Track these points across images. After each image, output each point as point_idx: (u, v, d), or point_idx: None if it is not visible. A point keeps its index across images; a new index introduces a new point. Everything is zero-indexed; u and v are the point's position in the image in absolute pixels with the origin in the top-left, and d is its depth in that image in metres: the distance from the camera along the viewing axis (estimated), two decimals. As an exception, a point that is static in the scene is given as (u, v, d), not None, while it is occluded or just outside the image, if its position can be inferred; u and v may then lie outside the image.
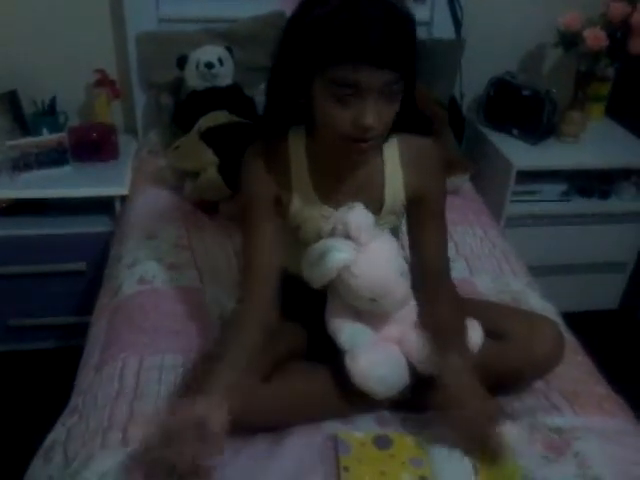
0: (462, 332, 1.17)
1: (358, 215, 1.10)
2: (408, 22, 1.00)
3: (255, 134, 1.21)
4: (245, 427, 1.12)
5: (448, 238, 1.26)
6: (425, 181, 1.18)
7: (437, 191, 1.21)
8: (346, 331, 1.15)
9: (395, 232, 1.25)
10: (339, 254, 1.07)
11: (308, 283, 1.12)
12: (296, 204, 1.16)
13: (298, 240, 1.19)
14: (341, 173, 1.15)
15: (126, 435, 1.12)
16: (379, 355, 1.14)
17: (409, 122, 1.12)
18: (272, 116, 1.14)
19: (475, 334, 1.19)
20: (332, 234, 1.11)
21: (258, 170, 1.15)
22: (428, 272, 1.20)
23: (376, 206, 1.17)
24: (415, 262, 1.21)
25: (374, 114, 0.98)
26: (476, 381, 1.10)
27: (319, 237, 1.13)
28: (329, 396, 1.17)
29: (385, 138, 1.11)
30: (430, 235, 1.21)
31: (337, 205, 1.14)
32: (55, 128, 2.07)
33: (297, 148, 1.15)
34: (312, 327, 1.22)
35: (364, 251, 1.09)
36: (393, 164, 1.17)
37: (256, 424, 1.14)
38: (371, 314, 1.16)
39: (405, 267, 1.14)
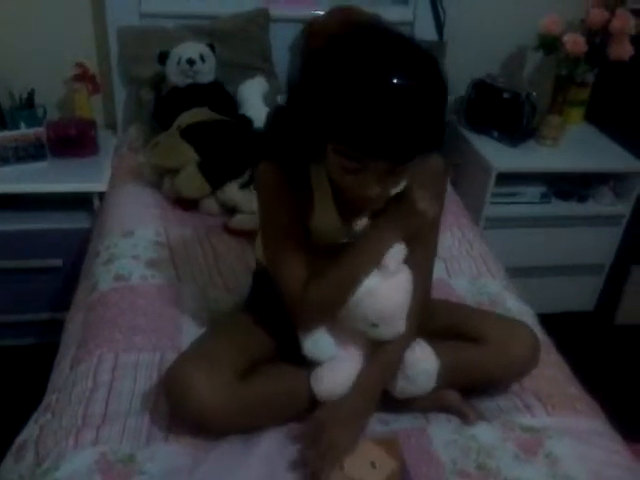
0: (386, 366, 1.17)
1: (394, 252, 1.10)
2: (434, 101, 0.92)
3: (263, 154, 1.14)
4: (219, 428, 1.13)
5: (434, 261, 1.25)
6: None
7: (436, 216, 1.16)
8: (311, 338, 1.16)
9: None
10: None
11: None
12: (316, 222, 1.14)
13: None
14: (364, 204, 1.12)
15: (99, 434, 1.11)
16: (341, 375, 1.15)
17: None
18: (286, 150, 1.08)
19: (427, 362, 1.18)
20: None
21: (281, 187, 1.09)
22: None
23: None
24: None
25: (377, 187, 0.97)
26: (359, 404, 1.14)
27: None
28: (308, 395, 1.17)
29: None
30: (417, 261, 1.16)
31: (352, 218, 1.14)
32: (33, 122, 2.04)
33: (319, 176, 1.11)
34: (285, 328, 1.22)
35: (388, 278, 1.10)
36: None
37: (233, 425, 1.13)
38: (340, 330, 1.17)
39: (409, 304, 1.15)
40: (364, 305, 1.10)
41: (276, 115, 1.15)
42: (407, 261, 1.14)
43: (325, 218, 1.14)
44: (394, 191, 1.05)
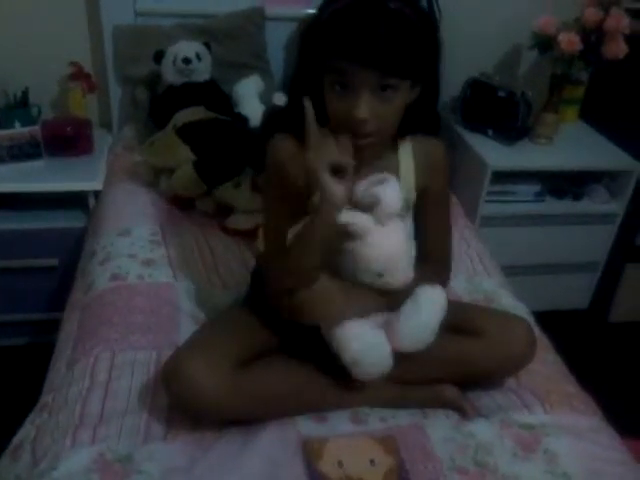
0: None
1: (392, 191, 1.10)
2: (419, 27, 1.02)
3: (276, 125, 1.21)
4: (219, 417, 1.13)
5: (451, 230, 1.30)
6: (432, 177, 1.23)
7: (441, 185, 1.26)
8: (353, 338, 1.13)
9: None
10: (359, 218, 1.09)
11: None
12: (317, 196, 1.15)
13: None
14: (360, 170, 1.14)
15: (96, 433, 1.11)
16: (365, 329, 1.13)
17: (424, 124, 1.16)
18: (294, 112, 1.13)
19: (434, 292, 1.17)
20: (360, 203, 1.11)
21: (287, 161, 1.15)
22: (428, 256, 1.22)
23: None
24: (418, 249, 1.23)
25: (365, 109, 1.01)
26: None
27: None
28: (307, 387, 1.18)
29: (398, 136, 1.16)
30: (432, 220, 1.25)
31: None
32: (28, 121, 2.03)
33: None
34: (285, 324, 1.22)
35: (383, 225, 1.10)
36: (407, 163, 1.20)
37: (232, 414, 1.14)
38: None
39: (413, 252, 1.18)
40: (363, 254, 1.10)
41: (289, 85, 1.23)
42: (425, 222, 1.23)
43: None
44: (383, 126, 1.07)
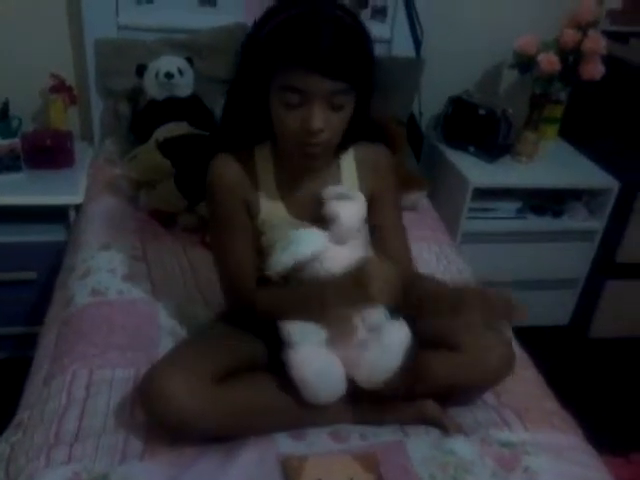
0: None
1: (349, 211, 1.12)
2: (360, 35, 1.06)
3: (215, 146, 1.22)
4: (199, 434, 1.12)
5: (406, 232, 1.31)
6: (378, 180, 1.25)
7: (389, 188, 1.28)
8: (298, 327, 1.15)
9: None
10: (315, 242, 1.10)
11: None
12: (263, 212, 1.19)
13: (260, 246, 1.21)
14: (302, 182, 1.19)
15: (72, 452, 1.09)
16: (319, 354, 1.14)
17: (363, 132, 1.18)
18: (233, 129, 1.18)
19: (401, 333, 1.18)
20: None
21: (229, 178, 1.17)
22: (389, 257, 1.20)
23: None
24: (375, 250, 1.25)
25: (320, 119, 1.03)
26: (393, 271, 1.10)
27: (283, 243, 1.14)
28: (285, 404, 1.17)
29: (341, 147, 1.17)
30: (386, 222, 1.27)
31: (299, 212, 1.19)
32: (7, 133, 2.01)
33: (263, 159, 1.19)
34: (271, 339, 1.21)
35: (340, 247, 1.11)
36: (349, 171, 1.23)
37: (211, 430, 1.13)
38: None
39: None
40: (319, 275, 1.11)
41: (226, 100, 1.21)
42: (380, 223, 1.24)
43: (270, 204, 1.19)
44: (333, 135, 1.08)
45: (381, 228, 1.26)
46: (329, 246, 1.10)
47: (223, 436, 1.15)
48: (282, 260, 1.11)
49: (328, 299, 1.11)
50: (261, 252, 1.21)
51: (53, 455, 1.08)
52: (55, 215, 2.01)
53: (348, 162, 1.23)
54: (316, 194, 1.17)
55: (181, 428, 1.10)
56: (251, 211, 1.20)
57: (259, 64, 1.05)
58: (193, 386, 1.08)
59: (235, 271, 1.22)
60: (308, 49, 1.00)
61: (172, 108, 1.96)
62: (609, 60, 2.24)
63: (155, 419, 1.12)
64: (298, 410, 1.18)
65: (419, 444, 1.18)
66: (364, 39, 1.07)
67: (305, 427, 1.20)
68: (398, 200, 1.33)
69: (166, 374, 1.10)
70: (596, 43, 2.19)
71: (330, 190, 1.16)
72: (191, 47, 2.11)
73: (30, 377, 1.35)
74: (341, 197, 1.14)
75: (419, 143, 2.32)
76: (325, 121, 1.04)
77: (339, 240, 1.11)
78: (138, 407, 1.17)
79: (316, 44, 0.99)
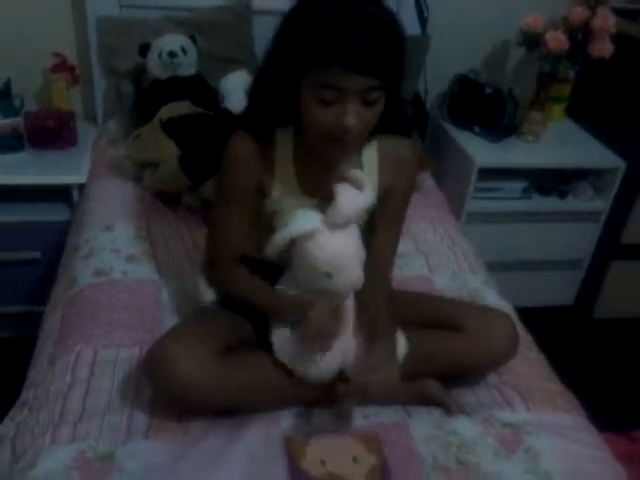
0: (392, 329, 1.23)
1: (350, 197, 1.11)
2: (395, 31, 1.04)
3: (237, 125, 1.21)
4: (206, 405, 1.14)
5: (405, 235, 1.32)
6: (398, 175, 1.24)
7: (407, 184, 1.27)
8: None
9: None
10: (307, 222, 1.10)
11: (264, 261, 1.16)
12: (277, 192, 1.19)
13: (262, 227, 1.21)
14: (323, 171, 1.18)
15: (77, 431, 1.10)
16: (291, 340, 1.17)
17: (391, 124, 1.16)
18: (258, 112, 1.16)
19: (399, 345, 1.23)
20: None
21: (244, 157, 1.18)
22: (374, 270, 1.22)
23: None
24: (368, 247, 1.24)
25: (355, 116, 1.03)
26: (396, 366, 1.18)
27: None
28: (287, 381, 1.18)
29: (366, 140, 1.16)
30: (383, 236, 1.26)
31: (314, 196, 1.18)
32: (10, 112, 2.00)
33: (284, 143, 1.19)
34: (260, 318, 1.23)
35: (334, 227, 1.10)
36: (371, 166, 1.22)
37: (217, 401, 1.14)
38: None
39: (363, 257, 1.16)
40: (312, 254, 1.10)
41: (254, 82, 1.20)
42: (380, 212, 1.23)
43: (284, 186, 1.19)
44: (365, 130, 1.08)
45: (379, 218, 1.25)
46: (321, 228, 1.10)
47: (229, 407, 1.16)
48: (277, 239, 1.11)
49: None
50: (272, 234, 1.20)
51: (58, 434, 1.09)
52: (59, 195, 2.01)
53: (370, 156, 1.22)
54: (332, 179, 1.16)
55: (184, 397, 1.11)
56: (262, 192, 1.20)
57: (294, 55, 1.04)
58: (196, 356, 1.10)
59: (223, 241, 1.24)
60: (347, 48, 0.98)
61: (176, 87, 1.94)
62: (618, 38, 2.20)
63: (161, 390, 1.14)
64: (301, 388, 1.19)
65: (421, 424, 1.19)
66: (399, 35, 1.05)
67: (308, 405, 1.20)
68: (406, 204, 1.29)
69: (169, 345, 1.12)
70: (605, 21, 2.16)
71: (345, 171, 1.14)
72: (194, 25, 2.08)
73: (34, 356, 1.36)
74: (352, 181, 1.12)
75: (424, 122, 2.29)
76: (359, 118, 1.04)
77: (333, 223, 1.10)
78: (143, 385, 1.18)
79: (355, 43, 0.98)
